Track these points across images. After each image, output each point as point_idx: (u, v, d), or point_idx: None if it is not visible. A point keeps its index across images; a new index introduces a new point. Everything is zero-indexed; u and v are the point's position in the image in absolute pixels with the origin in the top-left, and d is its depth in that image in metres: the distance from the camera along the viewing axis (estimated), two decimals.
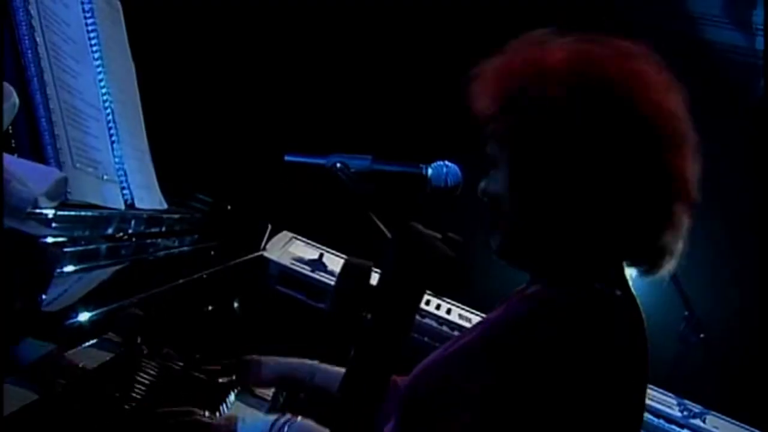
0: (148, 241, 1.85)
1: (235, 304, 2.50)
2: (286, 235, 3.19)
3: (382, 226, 0.97)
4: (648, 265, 1.41)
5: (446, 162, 1.68)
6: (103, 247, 1.52)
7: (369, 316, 0.84)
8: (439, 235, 0.84)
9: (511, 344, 1.28)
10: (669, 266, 1.40)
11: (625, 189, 1.32)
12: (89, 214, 1.47)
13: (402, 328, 0.83)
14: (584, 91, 1.33)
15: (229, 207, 2.64)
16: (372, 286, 0.76)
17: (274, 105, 3.62)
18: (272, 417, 1.63)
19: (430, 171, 1.67)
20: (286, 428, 1.56)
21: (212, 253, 2.32)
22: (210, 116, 3.51)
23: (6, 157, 1.14)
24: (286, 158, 1.73)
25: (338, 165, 1.65)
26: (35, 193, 1.09)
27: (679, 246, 1.39)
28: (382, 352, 0.83)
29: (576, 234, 1.34)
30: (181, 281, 1.77)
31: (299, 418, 1.68)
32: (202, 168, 3.06)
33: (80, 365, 1.23)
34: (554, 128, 1.32)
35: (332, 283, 2.88)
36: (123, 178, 1.83)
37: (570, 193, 1.32)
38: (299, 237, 3.23)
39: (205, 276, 2.03)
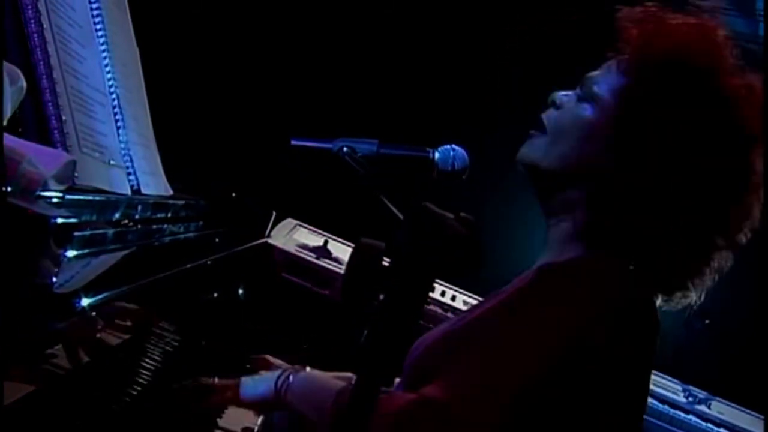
0: (155, 226, 1.86)
1: (240, 291, 2.50)
2: (290, 222, 3.20)
3: (393, 208, 0.97)
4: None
5: (453, 146, 1.68)
6: (111, 232, 1.52)
7: (382, 297, 0.83)
8: (452, 215, 0.84)
9: (539, 306, 1.31)
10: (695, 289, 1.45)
11: (709, 183, 1.36)
12: (97, 198, 1.47)
13: (417, 308, 0.83)
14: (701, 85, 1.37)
15: (233, 194, 2.64)
16: (385, 267, 0.76)
17: (280, 90, 3.60)
18: (278, 372, 1.64)
19: (437, 155, 1.66)
20: (290, 378, 1.58)
21: (217, 240, 2.32)
22: (215, 102, 3.50)
23: (15, 139, 1.14)
24: (293, 142, 1.72)
25: (345, 149, 1.64)
26: (45, 176, 1.09)
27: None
28: (396, 333, 0.83)
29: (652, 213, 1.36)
30: (187, 266, 1.78)
31: (307, 368, 1.70)
32: (207, 155, 3.06)
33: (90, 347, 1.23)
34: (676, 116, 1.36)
35: (337, 270, 2.89)
36: (129, 164, 1.83)
37: (660, 178, 1.35)
38: (304, 224, 3.23)
39: (210, 262, 2.03)
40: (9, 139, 1.08)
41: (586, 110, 1.45)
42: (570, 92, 1.50)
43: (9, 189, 0.98)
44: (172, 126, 2.25)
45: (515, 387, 1.22)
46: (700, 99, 1.37)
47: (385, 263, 0.84)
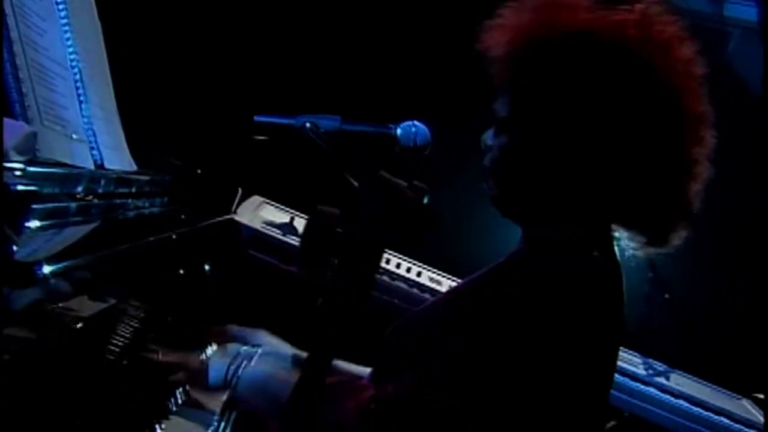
0: (118, 201, 1.86)
1: (207, 267, 2.51)
2: (256, 199, 3.19)
3: (351, 179, 0.99)
4: (653, 235, 1.43)
5: (415, 122, 1.69)
6: (73, 205, 1.52)
7: (336, 261, 0.86)
8: (405, 183, 0.86)
9: (491, 303, 1.31)
10: (676, 239, 1.43)
11: (630, 154, 1.33)
12: (59, 171, 1.47)
13: (369, 273, 0.86)
14: (600, 55, 1.33)
15: (199, 171, 2.64)
16: (340, 233, 0.78)
17: (243, 67, 3.59)
18: (229, 360, 1.66)
19: (399, 131, 1.68)
20: (239, 371, 1.62)
21: (182, 216, 2.33)
22: (180, 79, 3.48)
23: None
24: (256, 119, 1.73)
25: (308, 125, 1.65)
26: (5, 147, 1.09)
27: (685, 221, 1.41)
28: (349, 297, 0.85)
29: (572, 191, 1.37)
30: (151, 239, 1.78)
31: (258, 354, 1.69)
32: (172, 131, 3.05)
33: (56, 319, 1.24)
34: (566, 90, 1.34)
35: None
36: (92, 138, 1.82)
37: (573, 152, 1.34)
38: (270, 201, 3.24)
39: (174, 236, 2.03)
40: None
41: (505, 141, 1.45)
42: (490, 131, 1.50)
43: None
44: (137, 101, 2.25)
45: (477, 390, 1.23)
46: (585, 62, 1.34)
47: (340, 230, 0.86)
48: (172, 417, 1.75)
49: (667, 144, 1.35)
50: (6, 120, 1.25)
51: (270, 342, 1.87)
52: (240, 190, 2.94)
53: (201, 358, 1.80)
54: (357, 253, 0.85)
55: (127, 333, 1.69)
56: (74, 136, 1.67)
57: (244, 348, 1.74)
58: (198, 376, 1.71)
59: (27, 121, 1.43)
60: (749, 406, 3.20)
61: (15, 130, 1.17)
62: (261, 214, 3.11)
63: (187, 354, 1.79)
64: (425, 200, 0.86)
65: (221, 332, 1.95)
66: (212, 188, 2.68)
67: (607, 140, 1.32)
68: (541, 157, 1.36)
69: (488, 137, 1.49)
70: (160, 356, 1.73)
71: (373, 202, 0.84)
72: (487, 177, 1.47)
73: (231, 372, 1.63)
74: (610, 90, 1.32)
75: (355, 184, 0.93)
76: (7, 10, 1.45)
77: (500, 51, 1.41)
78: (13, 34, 1.45)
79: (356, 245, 0.84)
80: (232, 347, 1.73)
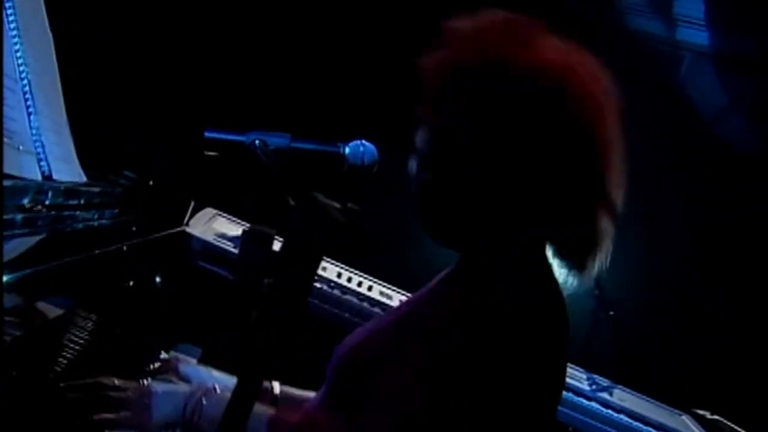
0: (66, 213, 1.86)
1: (157, 279, 2.51)
2: (209, 211, 3.20)
3: (289, 198, 1.02)
4: (573, 261, 1.44)
5: (363, 141, 1.72)
6: (19, 216, 1.53)
7: (269, 280, 0.89)
8: (338, 205, 0.90)
9: (431, 329, 1.33)
10: (594, 266, 1.43)
11: (546, 182, 1.35)
12: (6, 183, 1.47)
13: (301, 290, 0.89)
14: (514, 83, 1.34)
15: (151, 182, 2.64)
16: (274, 252, 0.81)
17: (196, 80, 3.60)
18: (186, 388, 1.60)
19: (347, 150, 1.70)
20: (203, 401, 1.54)
21: (133, 228, 2.33)
22: (132, 91, 3.48)
23: None
24: (206, 134, 1.75)
25: (257, 142, 1.67)
26: None
27: (602, 247, 1.42)
28: (282, 312, 0.89)
29: (495, 215, 1.39)
30: (100, 251, 1.79)
31: (217, 389, 1.61)
32: (125, 142, 3.05)
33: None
34: (482, 119, 1.36)
35: None
36: (40, 150, 1.83)
37: (492, 179, 1.36)
38: (222, 214, 3.25)
39: (125, 248, 2.04)
40: None
41: (426, 177, 1.46)
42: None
43: None
44: (88, 112, 2.25)
45: None
46: (500, 90, 1.35)
47: (273, 249, 0.90)
48: None
49: (578, 169, 1.37)
50: None
51: (219, 377, 1.78)
52: (192, 202, 2.95)
53: (145, 388, 1.63)
54: (290, 272, 0.88)
55: (75, 345, 1.69)
56: (21, 147, 1.68)
57: (196, 382, 1.68)
58: (141, 408, 1.57)
59: None
60: (689, 422, 3.29)
61: None
62: (213, 226, 3.12)
63: (130, 383, 1.63)
64: (358, 222, 0.90)
65: (164, 367, 1.85)
66: (164, 200, 2.68)
67: (524, 169, 1.35)
68: (460, 190, 1.39)
69: (411, 168, 1.50)
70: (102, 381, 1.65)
71: (306, 223, 0.87)
72: (414, 207, 1.48)
73: (191, 406, 1.54)
74: (524, 122, 1.35)
75: (292, 203, 0.96)
76: None
77: (425, 82, 1.43)
78: None
79: (289, 264, 0.88)
80: (181, 385, 1.66)
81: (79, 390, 1.53)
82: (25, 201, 1.59)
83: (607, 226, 1.41)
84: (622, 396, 3.22)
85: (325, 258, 0.85)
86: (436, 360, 1.27)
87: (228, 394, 1.53)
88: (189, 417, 1.54)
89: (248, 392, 0.91)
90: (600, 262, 1.43)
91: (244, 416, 0.91)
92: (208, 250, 2.97)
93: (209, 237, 3.00)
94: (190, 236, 2.95)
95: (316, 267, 0.88)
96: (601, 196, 1.39)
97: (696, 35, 3.99)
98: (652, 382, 3.47)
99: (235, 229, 3.13)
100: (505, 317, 1.32)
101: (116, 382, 1.58)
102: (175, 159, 3.18)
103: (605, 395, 3.14)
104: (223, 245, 2.99)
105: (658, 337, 3.79)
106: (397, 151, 1.61)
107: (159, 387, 1.61)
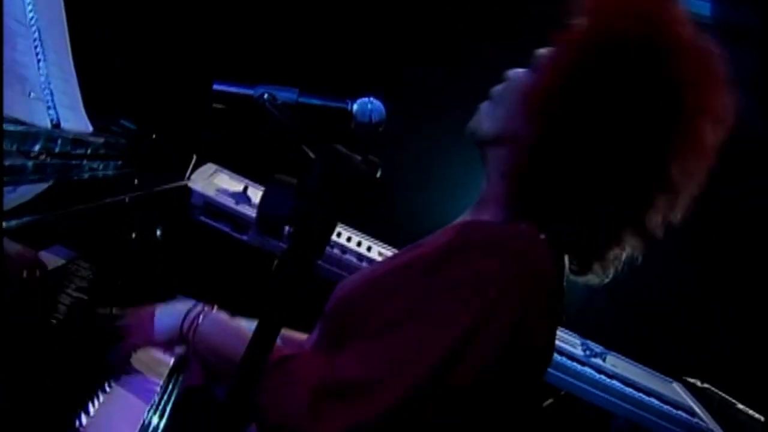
0: (73, 162, 1.87)
1: (158, 233, 2.52)
2: (211, 166, 3.21)
3: (307, 150, 1.03)
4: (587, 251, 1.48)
5: (371, 98, 1.72)
6: (30, 163, 1.53)
7: (290, 229, 0.90)
8: (359, 157, 0.91)
9: (441, 268, 1.31)
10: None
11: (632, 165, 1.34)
12: (17, 129, 1.48)
13: (321, 241, 0.90)
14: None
15: (154, 135, 2.63)
16: (296, 201, 0.82)
17: (204, 33, 3.57)
18: (185, 306, 1.62)
19: (355, 106, 1.70)
20: (200, 319, 1.57)
21: (136, 180, 2.33)
22: (140, 42, 3.45)
23: None
24: (215, 87, 1.75)
25: (266, 96, 1.67)
26: None
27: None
28: (302, 263, 0.90)
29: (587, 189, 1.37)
30: (104, 201, 1.79)
31: (214, 308, 1.65)
32: (129, 94, 3.03)
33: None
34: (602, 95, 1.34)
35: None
36: (49, 98, 1.82)
37: (584, 149, 1.35)
38: (224, 169, 3.25)
39: (128, 200, 2.04)
40: None
41: (528, 78, 1.47)
42: (522, 69, 1.52)
43: None
44: (95, 63, 2.24)
45: (429, 363, 1.23)
46: (642, 80, 1.34)
47: (296, 199, 0.90)
48: (112, 388, 1.72)
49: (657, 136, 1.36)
50: None
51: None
52: (195, 157, 2.94)
53: (144, 310, 1.70)
54: (311, 223, 0.89)
55: (75, 294, 1.70)
56: (32, 94, 1.68)
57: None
58: (143, 325, 1.64)
59: None
60: (679, 389, 3.34)
61: None
62: (215, 181, 3.12)
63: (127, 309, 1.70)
64: (378, 174, 0.91)
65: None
66: (167, 153, 2.67)
67: (623, 160, 1.35)
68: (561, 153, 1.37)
69: (514, 71, 1.51)
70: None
71: (328, 174, 0.88)
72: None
73: (188, 320, 1.57)
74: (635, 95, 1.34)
75: (312, 155, 0.96)
76: None
77: (592, 15, 1.39)
78: None
79: (310, 215, 0.89)
80: (182, 303, 1.67)
81: (80, 326, 1.57)
82: (36, 148, 1.59)
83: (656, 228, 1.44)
84: (614, 362, 3.27)
85: (348, 211, 0.86)
86: (463, 279, 1.28)
87: (223, 315, 1.61)
88: (186, 332, 1.56)
89: (267, 339, 0.92)
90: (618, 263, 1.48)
91: (264, 361, 0.92)
92: (209, 205, 2.98)
93: (210, 192, 3.00)
94: (191, 191, 2.95)
95: (338, 218, 0.90)
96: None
97: (699, 5, 3.97)
98: (645, 350, 3.51)
99: (237, 184, 3.14)
100: (521, 256, 1.33)
101: (114, 311, 1.64)
102: (179, 112, 3.17)
103: (598, 361, 3.17)
104: (224, 201, 2.99)
105: (653, 305, 3.81)
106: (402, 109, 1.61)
107: (159, 305, 1.65)
